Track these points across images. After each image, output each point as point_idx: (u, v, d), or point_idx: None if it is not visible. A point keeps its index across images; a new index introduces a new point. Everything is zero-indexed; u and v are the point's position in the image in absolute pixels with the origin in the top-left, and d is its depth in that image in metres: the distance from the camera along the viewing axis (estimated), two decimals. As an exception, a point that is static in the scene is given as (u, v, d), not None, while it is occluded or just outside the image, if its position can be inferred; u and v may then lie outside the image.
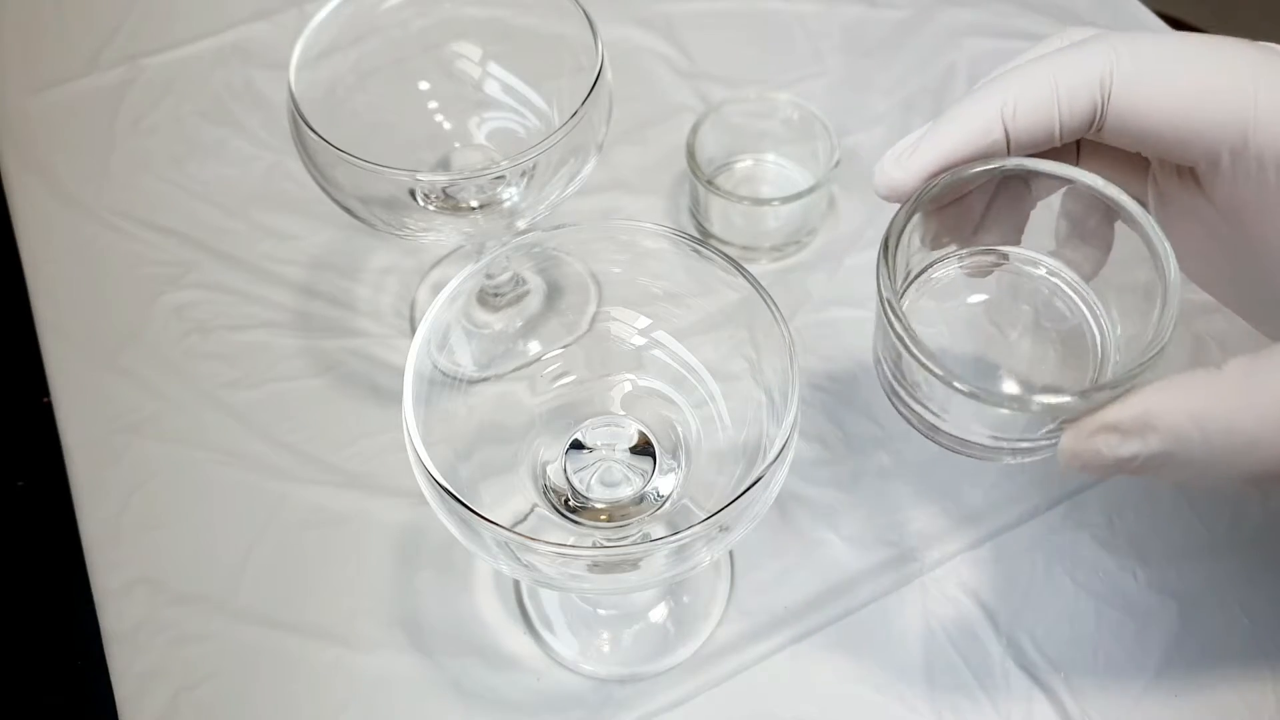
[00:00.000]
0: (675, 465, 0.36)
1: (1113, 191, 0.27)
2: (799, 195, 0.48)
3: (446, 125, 0.45)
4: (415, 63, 0.43)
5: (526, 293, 0.45)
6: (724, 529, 0.28)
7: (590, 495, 0.35)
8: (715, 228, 0.51)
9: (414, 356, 0.30)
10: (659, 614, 0.41)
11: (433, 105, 0.44)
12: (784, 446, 0.29)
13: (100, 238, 0.52)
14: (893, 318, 0.27)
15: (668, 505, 0.35)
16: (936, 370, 0.26)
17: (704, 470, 0.35)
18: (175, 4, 0.62)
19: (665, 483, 0.35)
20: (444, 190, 0.40)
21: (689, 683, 0.39)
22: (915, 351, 0.26)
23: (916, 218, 0.28)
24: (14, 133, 0.57)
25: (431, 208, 0.39)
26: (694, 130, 0.50)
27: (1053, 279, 0.31)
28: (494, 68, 0.44)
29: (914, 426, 0.30)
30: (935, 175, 0.27)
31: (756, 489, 0.28)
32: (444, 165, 0.44)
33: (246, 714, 0.39)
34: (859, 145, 0.54)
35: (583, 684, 0.40)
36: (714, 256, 0.32)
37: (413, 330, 0.49)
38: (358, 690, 0.40)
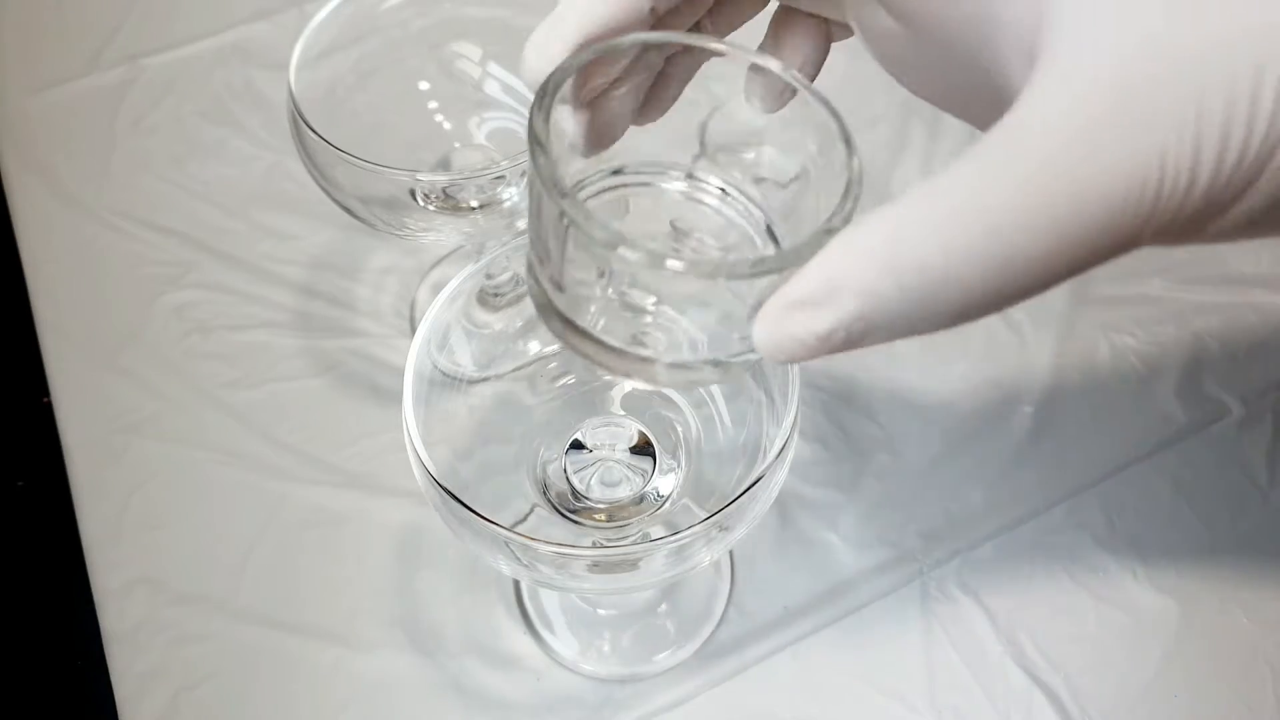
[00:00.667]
0: (675, 465, 0.36)
1: (759, 59, 0.25)
2: (799, 195, 0.48)
3: (446, 125, 0.45)
4: (415, 63, 0.43)
5: (526, 293, 0.45)
6: (724, 529, 0.28)
7: (590, 495, 0.35)
8: (715, 228, 0.51)
9: (414, 356, 0.30)
10: (659, 614, 0.41)
11: (433, 105, 0.44)
12: (784, 446, 0.29)
13: (100, 238, 0.52)
14: (539, 152, 0.21)
15: (668, 505, 0.35)
16: (583, 220, 0.20)
17: (704, 470, 0.35)
18: (175, 4, 0.62)
19: (665, 483, 0.35)
20: (444, 190, 0.40)
21: (689, 683, 0.39)
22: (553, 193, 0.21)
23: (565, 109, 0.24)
24: (14, 133, 0.57)
25: (431, 208, 0.39)
26: (694, 130, 0.50)
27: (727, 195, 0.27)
28: (494, 68, 0.44)
29: (591, 358, 0.25)
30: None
31: (756, 489, 0.28)
32: (444, 165, 0.44)
33: (246, 714, 0.39)
34: (859, 145, 0.54)
35: (583, 684, 0.40)
36: None
37: (413, 330, 0.49)
38: (358, 690, 0.40)
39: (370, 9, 0.41)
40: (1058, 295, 0.48)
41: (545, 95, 0.23)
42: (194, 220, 0.53)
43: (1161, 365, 0.46)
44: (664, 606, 0.42)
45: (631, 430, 0.36)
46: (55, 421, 0.47)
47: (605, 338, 0.24)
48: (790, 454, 0.29)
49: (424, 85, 0.44)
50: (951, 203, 0.19)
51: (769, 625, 0.40)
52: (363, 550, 0.43)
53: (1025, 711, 0.38)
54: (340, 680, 0.40)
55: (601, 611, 0.42)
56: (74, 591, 0.44)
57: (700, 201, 0.28)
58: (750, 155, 0.27)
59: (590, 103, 0.25)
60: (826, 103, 0.25)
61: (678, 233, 0.28)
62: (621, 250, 0.20)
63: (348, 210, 0.39)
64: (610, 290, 0.23)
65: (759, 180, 0.27)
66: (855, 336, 0.20)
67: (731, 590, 0.41)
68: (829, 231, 0.21)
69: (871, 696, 0.39)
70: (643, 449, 0.36)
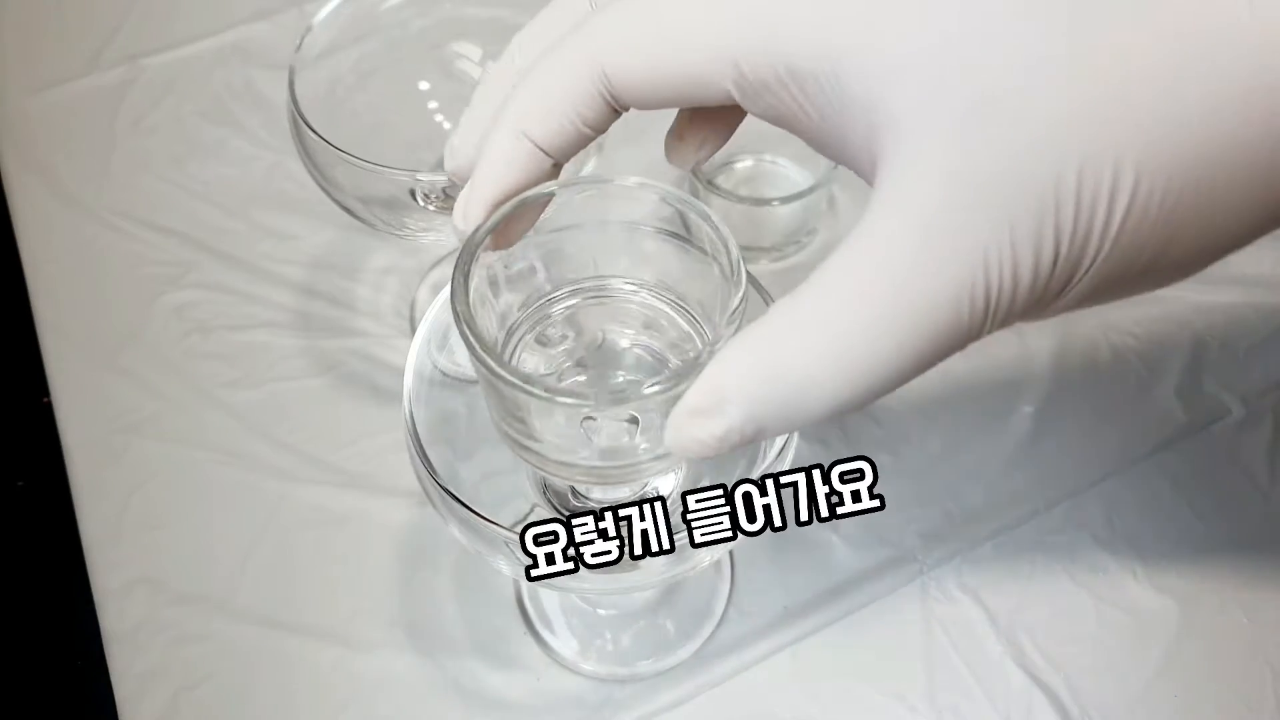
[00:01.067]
0: (676, 466, 0.36)
1: (646, 189, 0.28)
2: (799, 195, 0.48)
3: (446, 125, 0.45)
4: (415, 63, 0.43)
5: None
6: None
7: (590, 495, 0.35)
8: (715, 228, 0.51)
9: (414, 356, 0.30)
10: (659, 614, 0.41)
11: (433, 105, 0.44)
12: (784, 446, 0.29)
13: (100, 238, 0.52)
14: (465, 328, 0.25)
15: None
16: (498, 369, 0.24)
17: (704, 471, 0.35)
18: (175, 4, 0.62)
19: (665, 483, 0.35)
20: (444, 190, 0.40)
21: (689, 683, 0.39)
22: (473, 341, 0.24)
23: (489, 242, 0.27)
24: (14, 133, 0.57)
25: (431, 208, 0.39)
26: (694, 130, 0.50)
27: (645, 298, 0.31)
28: (494, 68, 0.44)
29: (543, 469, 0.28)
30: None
31: None
32: (444, 165, 0.44)
33: (246, 714, 0.39)
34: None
35: (583, 684, 0.40)
36: None
37: (413, 330, 0.49)
38: (358, 690, 0.40)
39: (370, 9, 0.41)
40: (1058, 295, 0.49)
41: (460, 270, 0.26)
42: (194, 220, 0.53)
43: (1161, 365, 0.46)
44: (665, 606, 0.42)
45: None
46: (55, 421, 0.47)
47: (568, 458, 0.27)
48: (790, 454, 0.29)
49: (424, 85, 0.44)
50: (804, 320, 0.22)
51: (769, 625, 0.40)
52: (363, 550, 0.43)
53: (1025, 711, 0.38)
54: (340, 680, 0.40)
55: (601, 611, 0.42)
56: (74, 591, 0.44)
57: (650, 307, 0.31)
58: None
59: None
60: (716, 229, 0.27)
61: (649, 332, 0.32)
62: (561, 400, 0.24)
63: (348, 210, 0.39)
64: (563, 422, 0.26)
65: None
66: (749, 435, 0.22)
67: (732, 590, 0.41)
68: (716, 344, 0.24)
69: (871, 696, 0.39)
70: None
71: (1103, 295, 0.22)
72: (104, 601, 0.42)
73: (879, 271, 0.21)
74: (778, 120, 0.24)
